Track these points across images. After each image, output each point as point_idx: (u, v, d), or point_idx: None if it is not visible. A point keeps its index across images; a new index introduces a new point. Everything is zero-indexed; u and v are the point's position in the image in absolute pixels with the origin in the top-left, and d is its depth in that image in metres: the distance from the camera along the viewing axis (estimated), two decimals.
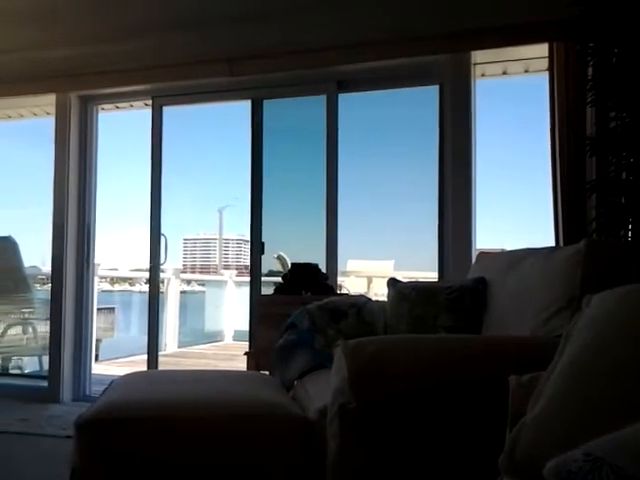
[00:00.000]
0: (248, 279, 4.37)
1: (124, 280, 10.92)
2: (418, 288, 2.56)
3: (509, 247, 4.29)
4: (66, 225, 4.38)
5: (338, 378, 1.65)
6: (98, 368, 4.97)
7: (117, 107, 4.69)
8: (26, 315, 5.38)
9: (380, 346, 1.70)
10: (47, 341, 4.58)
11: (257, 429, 1.84)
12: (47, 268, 5.92)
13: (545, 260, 2.12)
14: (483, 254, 2.81)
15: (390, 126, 4.36)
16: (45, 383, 4.43)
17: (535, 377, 1.21)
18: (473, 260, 3.42)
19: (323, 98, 3.94)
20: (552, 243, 3.26)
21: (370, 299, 2.87)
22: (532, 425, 0.96)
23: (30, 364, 5.46)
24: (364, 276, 6.60)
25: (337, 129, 3.91)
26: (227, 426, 1.82)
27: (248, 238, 4.20)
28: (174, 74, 4.07)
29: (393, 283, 2.66)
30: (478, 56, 3.59)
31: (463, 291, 2.40)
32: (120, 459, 1.77)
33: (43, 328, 5.17)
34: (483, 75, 3.79)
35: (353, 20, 3.72)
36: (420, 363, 1.60)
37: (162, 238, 4.32)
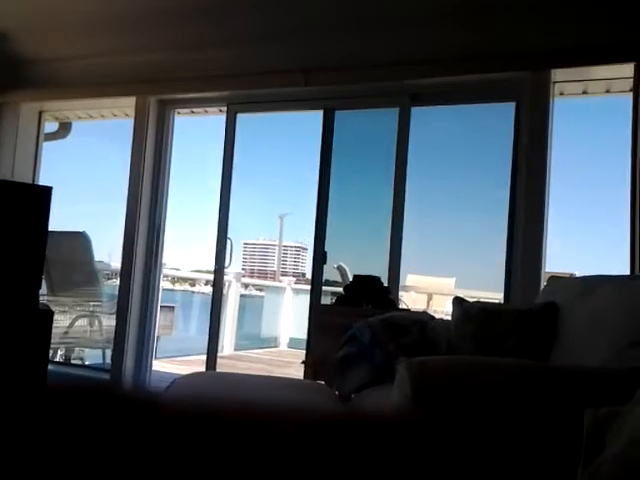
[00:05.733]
0: (305, 287, 4.38)
1: (185, 280, 11.13)
2: (485, 309, 2.50)
3: (579, 272, 4.15)
4: (138, 223, 4.53)
5: (400, 396, 1.63)
6: (156, 365, 5.08)
7: (192, 112, 4.82)
8: (93, 308, 5.57)
9: (446, 367, 1.67)
10: (111, 335, 4.73)
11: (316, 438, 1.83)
12: (113, 263, 6.14)
13: (624, 288, 2.03)
14: (554, 278, 2.72)
15: (462, 141, 4.30)
16: (107, 376, 4.57)
17: (614, 412, 1.15)
18: (542, 283, 3.33)
19: (396, 111, 3.92)
20: (626, 271, 3.13)
21: (434, 317, 2.83)
22: (614, 464, 0.92)
23: (91, 356, 5.65)
24: (424, 292, 6.51)
25: (408, 142, 3.88)
26: (287, 431, 1.82)
27: (306, 246, 4.22)
28: (250, 83, 4.16)
29: (459, 302, 2.61)
30: (558, 74, 3.51)
31: (532, 315, 2.33)
32: None
33: (107, 322, 5.35)
34: (562, 94, 3.69)
35: (429, 35, 3.70)
36: (488, 388, 1.56)
37: (228, 242, 4.40)
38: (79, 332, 5.46)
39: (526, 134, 3.51)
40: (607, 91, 3.68)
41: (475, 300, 2.87)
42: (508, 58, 3.46)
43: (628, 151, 3.15)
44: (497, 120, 3.93)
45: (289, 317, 8.38)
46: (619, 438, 1.03)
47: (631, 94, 3.20)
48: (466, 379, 1.58)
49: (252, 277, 14.34)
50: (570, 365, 1.94)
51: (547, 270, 3.48)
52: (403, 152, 3.86)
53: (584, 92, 3.74)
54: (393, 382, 1.71)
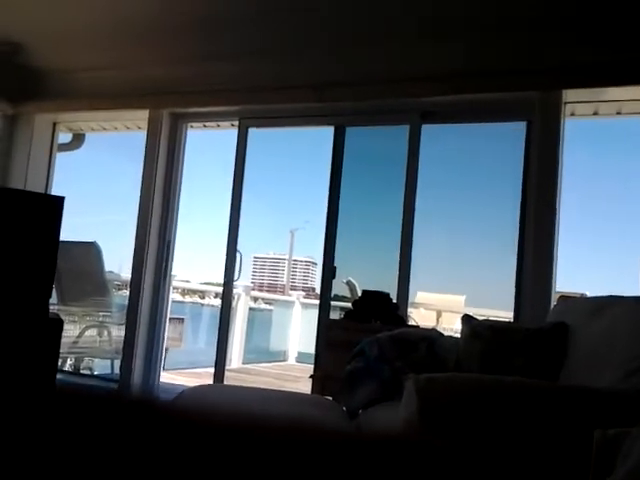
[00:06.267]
0: (314, 301, 4.38)
1: (194, 292, 11.13)
2: (494, 327, 2.49)
3: (590, 293, 4.13)
4: (148, 235, 4.55)
5: (407, 412, 1.62)
6: (164, 376, 5.09)
7: (205, 126, 4.86)
8: (102, 319, 5.59)
9: (454, 384, 1.66)
10: (120, 345, 4.74)
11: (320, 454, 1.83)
12: (124, 274, 6.16)
13: (633, 309, 2.02)
14: (564, 297, 2.70)
15: (473, 160, 4.30)
16: (115, 386, 4.58)
17: (622, 433, 1.14)
18: (552, 303, 3.31)
19: (406, 128, 3.94)
20: (637, 293, 3.11)
21: (442, 334, 2.82)
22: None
23: (100, 366, 5.66)
24: (433, 309, 6.49)
25: (418, 160, 3.89)
26: (291, 446, 1.82)
27: (317, 260, 4.23)
28: (262, 97, 4.20)
29: (468, 320, 2.60)
30: (569, 95, 3.51)
31: (542, 334, 2.32)
32: None
33: (116, 332, 5.36)
34: (573, 114, 3.70)
35: (441, 52, 3.73)
36: (495, 406, 1.56)
37: (237, 255, 4.41)
38: (88, 342, 5.48)
39: (537, 153, 3.51)
40: (618, 113, 3.68)
41: (484, 318, 2.86)
42: (520, 77, 3.47)
43: (639, 172, 3.14)
44: (508, 139, 3.93)
45: (298, 331, 8.36)
46: (630, 458, 1.02)
47: None
48: (473, 397, 1.58)
49: (262, 291, 14.34)
50: (578, 385, 1.93)
51: (557, 289, 3.46)
52: (413, 169, 3.87)
53: (595, 113, 3.74)
54: (400, 398, 1.70)
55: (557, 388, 1.85)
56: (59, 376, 4.18)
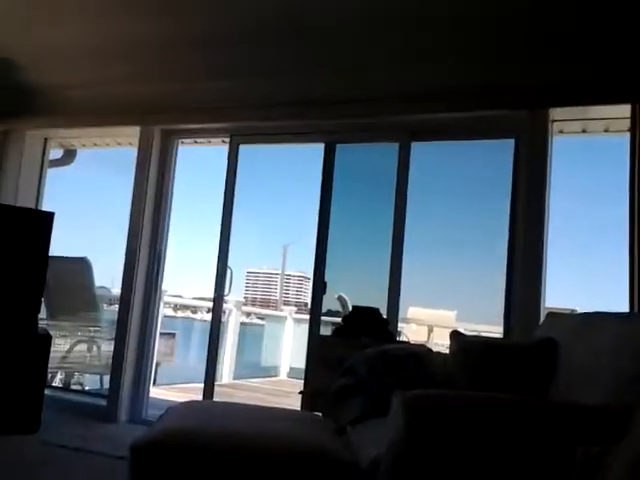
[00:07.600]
0: (306, 316, 4.40)
1: (187, 307, 11.11)
2: (482, 343, 2.50)
3: (579, 309, 4.15)
4: (138, 250, 4.54)
5: (394, 429, 1.62)
6: (155, 392, 5.05)
7: (196, 142, 4.88)
8: (92, 334, 5.56)
9: (441, 400, 1.66)
10: (109, 360, 4.71)
11: (306, 472, 1.82)
12: (115, 289, 6.14)
13: (621, 326, 2.03)
14: (552, 314, 2.72)
15: (462, 177, 4.34)
16: (104, 402, 4.54)
17: (604, 451, 1.15)
18: (541, 318, 3.32)
19: (396, 145, 3.96)
20: (626, 309, 3.12)
21: (431, 350, 2.82)
22: None
23: (91, 381, 5.62)
24: (425, 324, 6.49)
25: (408, 177, 3.91)
26: (277, 465, 1.81)
27: (309, 275, 4.25)
28: (253, 115, 4.22)
29: (456, 336, 2.61)
30: (557, 113, 3.55)
31: (530, 351, 2.33)
32: None
33: (106, 347, 5.33)
34: (561, 132, 3.73)
35: (430, 70, 3.76)
36: (482, 424, 1.56)
37: (228, 270, 4.41)
38: (78, 357, 5.45)
39: (525, 171, 3.53)
40: (606, 130, 3.72)
41: (474, 334, 2.87)
42: (507, 95, 3.50)
43: (626, 189, 3.17)
44: (497, 156, 3.96)
45: (290, 346, 8.34)
46: (610, 474, 1.03)
47: (629, 134, 3.23)
48: (459, 413, 1.58)
49: (255, 305, 14.31)
50: (563, 401, 1.93)
51: (547, 305, 3.47)
52: (403, 187, 3.89)
53: (583, 131, 3.78)
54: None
55: (546, 405, 1.86)
56: (47, 392, 4.15)
